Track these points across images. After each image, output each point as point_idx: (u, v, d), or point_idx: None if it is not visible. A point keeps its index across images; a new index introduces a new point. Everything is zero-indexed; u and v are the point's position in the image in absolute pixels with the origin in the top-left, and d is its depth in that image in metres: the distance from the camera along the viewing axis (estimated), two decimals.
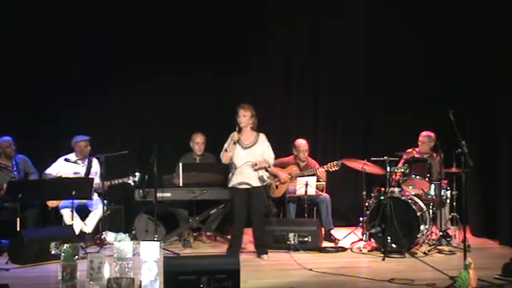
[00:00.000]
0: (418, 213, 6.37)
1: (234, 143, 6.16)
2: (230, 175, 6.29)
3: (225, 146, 6.22)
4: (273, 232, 6.57)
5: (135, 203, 7.15)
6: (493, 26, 7.06)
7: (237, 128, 6.16)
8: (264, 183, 6.31)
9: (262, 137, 6.33)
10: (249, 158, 6.19)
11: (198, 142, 7.36)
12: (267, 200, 6.40)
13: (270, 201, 7.42)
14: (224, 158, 6.24)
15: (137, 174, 6.93)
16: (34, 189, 6.61)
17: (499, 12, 6.94)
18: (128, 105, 7.93)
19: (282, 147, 7.81)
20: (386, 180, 6.60)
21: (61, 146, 7.25)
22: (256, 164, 6.15)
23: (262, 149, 6.28)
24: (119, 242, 5.61)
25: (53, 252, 5.97)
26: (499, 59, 6.99)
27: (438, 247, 6.49)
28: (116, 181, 6.97)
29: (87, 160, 7.10)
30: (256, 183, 6.21)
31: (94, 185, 6.71)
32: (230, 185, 6.29)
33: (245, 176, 6.18)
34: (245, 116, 6.20)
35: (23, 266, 5.86)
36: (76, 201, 6.55)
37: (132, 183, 6.97)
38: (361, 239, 6.81)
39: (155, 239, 6.49)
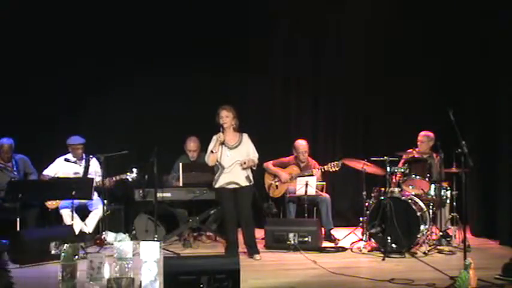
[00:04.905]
0: (418, 213, 6.36)
1: (221, 144, 6.17)
2: (217, 176, 6.26)
3: (210, 147, 6.22)
4: (272, 231, 6.59)
5: (135, 203, 7.14)
6: (492, 26, 7.06)
7: (221, 129, 6.17)
8: (251, 183, 6.31)
9: (246, 136, 6.35)
10: (236, 158, 6.20)
11: (190, 150, 7.36)
12: (268, 199, 6.38)
13: (270, 200, 7.46)
14: (210, 159, 6.21)
15: (134, 170, 6.93)
16: (34, 189, 6.63)
17: (501, 11, 6.94)
18: (128, 106, 7.93)
19: (282, 147, 7.84)
20: (386, 180, 6.60)
21: (59, 146, 7.24)
22: (245, 163, 6.17)
23: (248, 148, 6.29)
24: (119, 242, 5.61)
25: (53, 252, 5.97)
26: (499, 59, 6.99)
27: (438, 247, 6.48)
28: (114, 178, 6.97)
29: (84, 160, 7.11)
30: (245, 182, 6.23)
31: (94, 184, 6.71)
32: (217, 185, 6.26)
33: (234, 176, 6.19)
34: (228, 117, 6.21)
35: (23, 266, 5.84)
36: (76, 201, 6.56)
37: (130, 179, 6.97)
38: (361, 239, 6.80)
39: (155, 239, 6.49)
